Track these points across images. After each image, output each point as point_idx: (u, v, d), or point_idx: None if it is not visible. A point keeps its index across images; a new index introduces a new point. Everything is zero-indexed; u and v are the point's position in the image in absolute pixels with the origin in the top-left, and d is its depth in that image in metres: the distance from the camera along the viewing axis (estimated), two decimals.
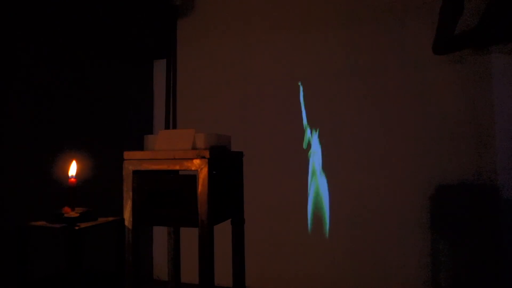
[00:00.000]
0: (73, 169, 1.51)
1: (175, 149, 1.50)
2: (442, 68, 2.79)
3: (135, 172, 1.52)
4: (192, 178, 1.46)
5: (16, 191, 2.17)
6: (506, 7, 2.36)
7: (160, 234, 3.34)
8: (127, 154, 1.54)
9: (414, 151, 2.82)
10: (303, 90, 3.10)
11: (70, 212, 1.41)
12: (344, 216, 2.94)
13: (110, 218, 1.51)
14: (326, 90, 3.04)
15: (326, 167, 3.00)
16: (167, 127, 3.36)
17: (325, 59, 3.05)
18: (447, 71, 2.78)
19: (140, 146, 1.64)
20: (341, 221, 2.95)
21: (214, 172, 1.48)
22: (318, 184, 3.01)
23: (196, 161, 1.45)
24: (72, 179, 1.48)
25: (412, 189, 2.80)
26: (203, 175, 1.43)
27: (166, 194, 1.50)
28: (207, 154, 1.44)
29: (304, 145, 3.06)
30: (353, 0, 3.01)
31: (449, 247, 2.72)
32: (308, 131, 3.06)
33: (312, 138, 3.05)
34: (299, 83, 3.11)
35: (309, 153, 3.05)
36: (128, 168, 1.53)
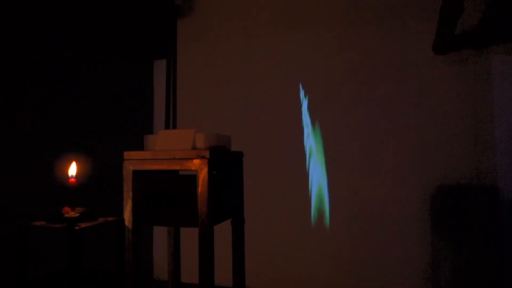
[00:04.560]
0: (73, 169, 1.51)
1: (175, 149, 1.50)
2: (442, 68, 2.79)
3: (135, 172, 1.52)
4: (192, 178, 1.46)
5: (17, 192, 2.17)
6: (506, 7, 2.36)
7: (160, 234, 3.34)
8: (127, 154, 1.54)
9: (414, 151, 2.82)
10: (303, 90, 3.10)
11: (70, 212, 1.41)
12: (345, 217, 2.94)
13: (110, 218, 1.51)
14: (326, 90, 3.04)
15: (326, 167, 3.00)
16: (167, 127, 3.36)
17: (325, 59, 3.05)
18: (447, 71, 2.78)
19: (140, 146, 1.64)
20: (341, 221, 2.95)
21: (214, 172, 1.48)
22: (318, 184, 3.01)
23: (196, 161, 1.45)
24: (72, 179, 1.48)
25: (412, 189, 2.80)
26: (203, 175, 1.43)
27: (166, 194, 1.50)
28: (207, 154, 1.44)
29: (304, 145, 3.06)
30: (353, 0, 3.02)
31: (449, 246, 2.72)
32: (308, 131, 3.06)
33: (312, 138, 3.05)
34: (300, 83, 3.11)
35: (309, 153, 3.05)
36: (128, 168, 1.53)
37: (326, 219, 2.98)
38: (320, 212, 2.99)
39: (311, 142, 3.05)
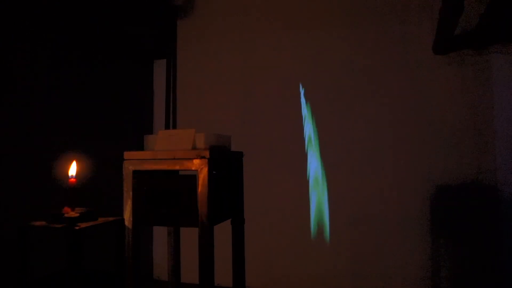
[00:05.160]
0: (73, 169, 1.51)
1: (175, 149, 1.50)
2: (442, 68, 2.79)
3: (135, 172, 1.52)
4: (192, 178, 1.46)
5: (17, 191, 2.17)
6: (506, 7, 2.36)
7: (160, 234, 3.34)
8: (127, 154, 1.54)
9: (414, 151, 2.82)
10: (304, 90, 3.10)
11: (70, 212, 1.41)
12: (345, 216, 2.94)
13: (110, 218, 1.51)
14: (326, 90, 3.04)
15: (326, 167, 3.00)
16: (167, 127, 3.36)
17: (325, 59, 3.05)
18: (447, 71, 2.78)
19: (140, 146, 1.64)
20: (341, 221, 2.95)
21: (214, 172, 1.48)
22: (318, 184, 3.01)
23: (196, 161, 1.45)
24: (72, 179, 1.48)
25: (412, 189, 2.80)
26: (203, 175, 1.43)
27: (166, 194, 1.50)
28: (207, 154, 1.44)
29: (305, 145, 3.06)
30: (354, 0, 3.01)
31: (449, 247, 2.72)
32: (308, 130, 3.06)
33: (312, 138, 3.05)
34: (300, 83, 3.11)
35: (309, 153, 3.05)
36: (128, 168, 1.53)
37: (326, 219, 2.98)
38: (320, 212, 2.99)
39: (311, 140, 3.05)
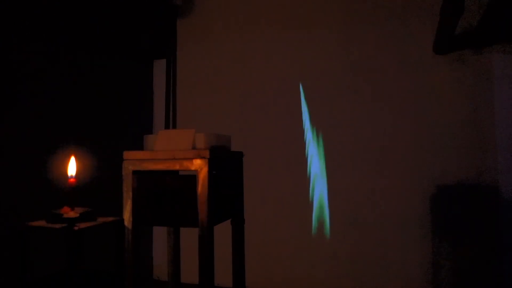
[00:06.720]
0: (72, 169, 1.51)
1: (175, 149, 1.50)
2: (443, 68, 2.79)
3: (135, 172, 1.52)
4: (192, 178, 1.46)
5: (16, 191, 2.17)
6: (506, 7, 2.36)
7: (160, 234, 3.34)
8: (127, 154, 1.54)
9: (414, 151, 2.82)
10: (304, 90, 3.10)
11: (69, 212, 1.40)
12: (345, 217, 2.94)
13: (110, 218, 1.51)
14: (326, 90, 3.04)
15: (327, 167, 3.00)
16: (167, 127, 3.36)
17: (325, 59, 3.05)
18: (447, 71, 2.78)
19: (140, 146, 1.64)
20: (342, 221, 2.95)
21: (214, 172, 1.47)
22: (318, 184, 3.01)
23: (196, 161, 1.44)
24: (72, 179, 1.48)
25: (412, 189, 2.80)
26: (203, 175, 1.43)
27: (166, 194, 1.50)
28: (207, 154, 1.44)
29: (305, 144, 3.05)
30: (353, 0, 3.01)
31: (449, 247, 2.72)
32: (308, 131, 3.06)
33: (313, 138, 3.04)
34: (300, 83, 3.11)
35: (309, 152, 3.04)
36: (128, 168, 1.52)
37: (326, 219, 2.98)
38: (321, 212, 2.99)
39: (311, 141, 3.05)
